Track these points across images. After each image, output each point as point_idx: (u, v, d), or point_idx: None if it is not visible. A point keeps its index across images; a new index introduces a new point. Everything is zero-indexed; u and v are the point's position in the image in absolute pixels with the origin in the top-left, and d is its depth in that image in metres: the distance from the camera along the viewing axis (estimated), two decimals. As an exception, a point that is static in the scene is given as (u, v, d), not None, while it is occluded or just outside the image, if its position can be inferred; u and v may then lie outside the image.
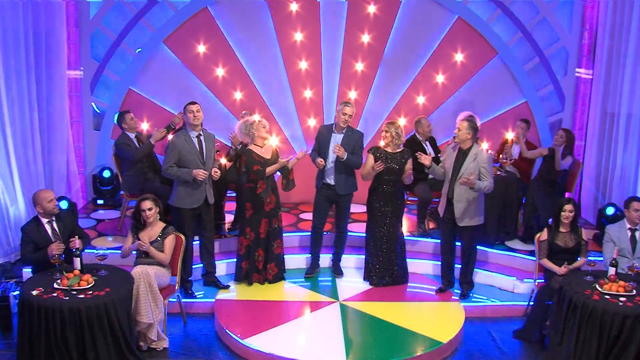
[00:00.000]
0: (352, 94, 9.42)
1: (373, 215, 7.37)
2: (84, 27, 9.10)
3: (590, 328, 5.76)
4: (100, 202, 9.17)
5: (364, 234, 7.56)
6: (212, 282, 7.32)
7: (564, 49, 9.36)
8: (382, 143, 7.36)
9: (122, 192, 8.52)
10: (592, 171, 9.17)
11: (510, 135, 8.86)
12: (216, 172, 6.95)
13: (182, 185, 6.89)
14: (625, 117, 8.62)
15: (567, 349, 5.91)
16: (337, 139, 7.31)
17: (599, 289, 5.95)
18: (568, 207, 6.65)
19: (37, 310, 5.42)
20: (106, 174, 9.19)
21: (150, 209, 6.36)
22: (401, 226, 7.47)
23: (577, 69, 9.36)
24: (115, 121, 8.24)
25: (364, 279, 7.55)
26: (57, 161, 8.84)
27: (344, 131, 7.32)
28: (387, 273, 7.42)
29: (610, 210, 8.31)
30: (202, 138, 6.93)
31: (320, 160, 7.24)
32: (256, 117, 7.30)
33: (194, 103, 6.94)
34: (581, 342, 5.81)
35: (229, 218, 8.43)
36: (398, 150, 7.24)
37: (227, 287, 7.26)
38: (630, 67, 8.47)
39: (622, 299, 5.82)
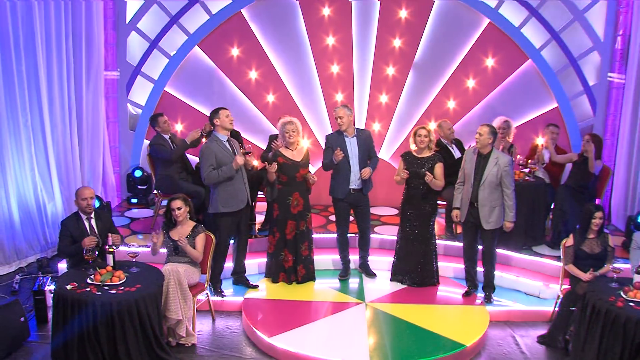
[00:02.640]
0: (383, 98, 9.51)
1: (404, 218, 7.47)
2: (121, 30, 9.35)
3: (613, 335, 5.73)
4: (134, 201, 9.38)
5: (394, 237, 7.68)
6: (241, 281, 7.47)
7: (596, 54, 9.31)
8: (412, 147, 7.43)
9: (155, 192, 8.71)
10: (622, 178, 9.10)
11: (540, 140, 8.86)
12: (250, 157, 7.11)
13: (223, 189, 6.98)
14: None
15: (589, 356, 5.90)
16: (352, 143, 7.38)
17: (624, 296, 5.91)
18: (598, 214, 6.61)
19: (70, 304, 5.62)
20: (137, 173, 9.41)
21: (179, 208, 6.52)
22: (433, 229, 7.50)
23: (609, 74, 9.29)
24: (149, 123, 8.44)
25: (390, 280, 7.64)
26: (93, 160, 9.08)
27: (355, 134, 7.40)
28: (414, 275, 7.50)
29: (640, 218, 8.26)
30: (231, 142, 7.09)
31: (338, 152, 7.18)
32: (290, 119, 7.32)
33: (225, 108, 7.08)
34: (604, 349, 5.79)
35: (259, 219, 8.57)
36: (428, 154, 7.31)
37: (256, 287, 7.39)
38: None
39: (646, 306, 5.79)
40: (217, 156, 6.91)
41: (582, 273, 6.54)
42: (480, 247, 7.33)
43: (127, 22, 9.34)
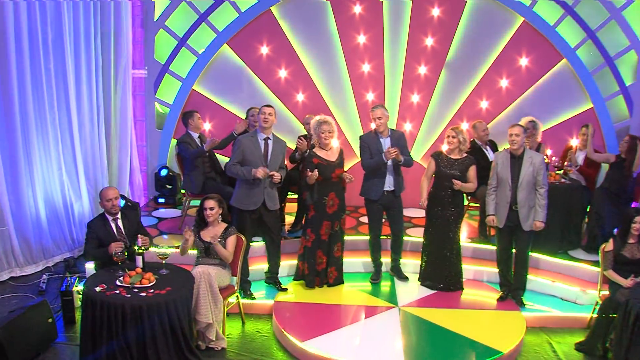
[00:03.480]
0: (415, 98, 9.35)
1: (430, 220, 7.34)
2: (149, 28, 9.27)
3: (658, 345, 5.57)
4: (161, 200, 9.29)
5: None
6: (272, 282, 7.38)
7: (634, 53, 9.07)
8: (444, 147, 7.28)
9: (183, 191, 8.61)
10: (659, 181, 8.86)
11: (574, 141, 8.66)
12: (276, 177, 6.91)
13: (242, 186, 6.96)
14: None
15: (634, 365, 5.73)
16: (386, 143, 7.26)
17: (668, 304, 5.74)
18: (639, 218, 6.45)
19: (100, 306, 5.51)
20: (163, 172, 9.32)
21: (212, 209, 6.42)
22: (459, 233, 7.37)
23: (646, 75, 9.08)
24: (182, 119, 8.34)
25: (421, 284, 7.52)
26: (120, 159, 9.02)
27: (389, 135, 7.28)
28: (441, 278, 7.38)
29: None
30: (269, 142, 6.96)
31: (392, 150, 7.05)
32: (324, 118, 7.17)
33: (269, 106, 7.00)
34: (647, 359, 5.63)
35: (289, 220, 8.45)
36: (459, 156, 7.15)
37: (285, 289, 7.28)
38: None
39: (693, 315, 5.60)
40: (244, 152, 6.87)
41: (623, 279, 6.36)
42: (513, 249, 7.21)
43: (155, 19, 9.25)
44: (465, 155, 7.21)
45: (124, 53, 8.84)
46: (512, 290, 7.26)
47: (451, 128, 7.20)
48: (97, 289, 5.66)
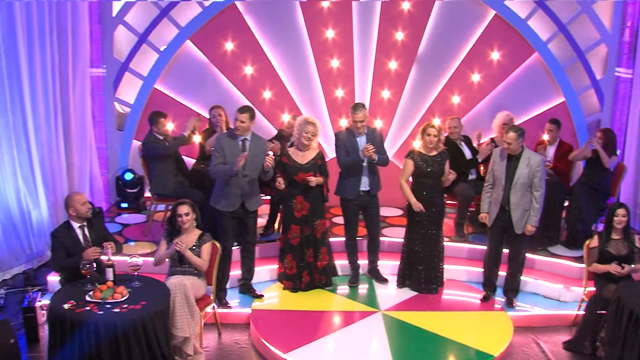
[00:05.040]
0: (385, 94, 9.10)
1: (412, 219, 7.13)
2: (107, 24, 8.78)
3: (654, 343, 5.43)
4: (124, 205, 8.85)
5: (401, 239, 7.37)
6: (247, 289, 7.07)
7: (604, 46, 9.01)
8: (415, 144, 7.14)
9: (148, 195, 8.22)
10: (631, 174, 8.79)
11: (546, 136, 8.57)
12: (268, 159, 6.60)
13: (221, 187, 6.68)
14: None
15: (628, 364, 5.59)
16: (362, 140, 7.03)
17: (660, 301, 5.62)
18: (621, 211, 6.37)
19: (69, 325, 5.10)
20: (128, 176, 8.87)
21: (187, 214, 6.08)
22: (441, 232, 7.19)
23: (616, 68, 9.00)
24: (148, 120, 7.92)
25: (397, 285, 7.33)
26: (80, 163, 8.53)
27: (365, 132, 7.06)
28: (422, 280, 7.18)
29: (657, 216, 7.98)
30: (247, 142, 6.64)
31: (370, 147, 6.82)
32: (313, 119, 6.95)
33: (242, 111, 6.59)
34: (645, 357, 5.49)
35: (261, 222, 8.13)
36: (435, 153, 6.96)
37: (261, 296, 6.99)
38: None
39: (686, 311, 5.49)
40: (224, 150, 6.59)
41: (607, 265, 6.28)
42: (505, 250, 7.04)
43: (113, 15, 8.77)
44: (439, 151, 7.02)
45: (82, 51, 8.35)
46: (504, 291, 7.12)
47: (430, 126, 6.98)
48: (66, 306, 5.24)
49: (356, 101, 8.93)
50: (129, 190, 8.88)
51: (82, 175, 8.53)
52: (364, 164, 7.02)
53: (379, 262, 7.54)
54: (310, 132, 6.83)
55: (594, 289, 6.55)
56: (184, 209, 6.08)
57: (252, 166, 6.61)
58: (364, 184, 7.11)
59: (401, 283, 7.32)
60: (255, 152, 6.62)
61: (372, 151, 6.83)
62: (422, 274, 7.16)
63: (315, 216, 7.07)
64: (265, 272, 7.44)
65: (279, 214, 7.89)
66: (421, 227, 7.05)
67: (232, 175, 6.54)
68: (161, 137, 7.79)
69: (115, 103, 9.09)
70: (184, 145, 7.92)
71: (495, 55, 9.02)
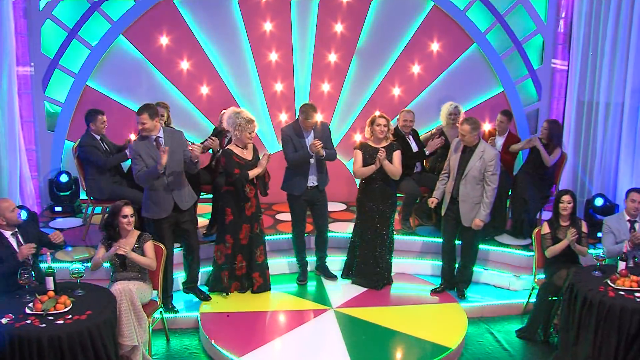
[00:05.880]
0: (325, 87, 8.96)
1: (362, 212, 7.04)
2: (33, 18, 8.30)
3: (608, 327, 5.47)
4: (58, 209, 8.41)
5: (349, 234, 7.29)
6: (193, 291, 6.82)
7: (540, 37, 9.11)
8: (357, 137, 7.00)
9: (84, 198, 7.83)
10: (571, 163, 8.91)
11: (487, 126, 8.62)
12: (195, 149, 6.39)
13: (149, 195, 6.34)
14: (603, 107, 8.49)
15: (584, 349, 5.62)
16: (309, 136, 6.91)
17: (612, 285, 5.67)
18: (566, 197, 6.49)
19: (9, 341, 4.73)
20: (63, 178, 8.43)
21: (132, 215, 5.82)
22: (392, 227, 7.10)
23: (552, 60, 9.13)
24: (84, 119, 7.51)
25: (342, 276, 7.29)
26: (7, 166, 8.03)
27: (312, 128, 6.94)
28: (371, 275, 7.08)
29: (599, 202, 8.10)
30: (160, 140, 6.28)
31: (317, 142, 6.73)
32: (251, 117, 6.66)
33: (141, 112, 6.27)
34: (599, 341, 5.53)
35: (203, 222, 7.87)
36: (385, 144, 6.86)
37: (208, 299, 6.74)
38: (607, 55, 8.33)
39: (637, 294, 5.54)
40: (143, 157, 6.22)
41: (563, 241, 6.36)
42: (458, 242, 7.02)
43: (40, 9, 8.30)
44: (389, 142, 6.93)
45: (7, 47, 7.86)
46: (456, 283, 7.08)
47: (380, 116, 6.88)
48: (3, 320, 4.87)
49: (296, 95, 8.84)
50: (62, 194, 8.44)
51: (11, 179, 8.01)
52: (312, 160, 6.88)
53: (327, 258, 7.42)
54: (252, 129, 6.62)
55: (543, 276, 6.61)
56: (127, 210, 5.81)
57: (172, 162, 6.27)
58: (312, 180, 6.98)
59: (349, 277, 7.24)
60: (172, 147, 6.27)
61: (320, 147, 6.70)
62: (372, 270, 7.06)
63: (260, 211, 6.92)
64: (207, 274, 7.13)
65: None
66: (371, 222, 6.95)
67: (160, 176, 6.21)
68: (98, 137, 7.41)
69: (45, 102, 8.59)
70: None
71: (434, 47, 9.00)
